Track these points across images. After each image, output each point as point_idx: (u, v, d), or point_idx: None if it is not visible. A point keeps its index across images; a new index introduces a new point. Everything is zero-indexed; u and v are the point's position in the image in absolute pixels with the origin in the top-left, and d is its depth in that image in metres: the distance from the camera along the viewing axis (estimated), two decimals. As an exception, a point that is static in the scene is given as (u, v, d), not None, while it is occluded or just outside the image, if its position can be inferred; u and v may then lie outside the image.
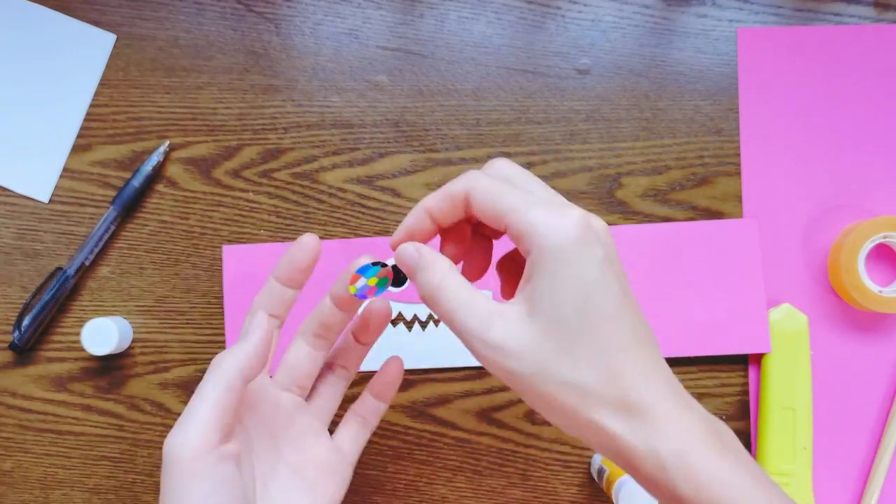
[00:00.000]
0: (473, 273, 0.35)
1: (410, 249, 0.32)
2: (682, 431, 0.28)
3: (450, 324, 0.30)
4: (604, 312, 0.28)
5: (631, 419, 0.28)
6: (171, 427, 0.50)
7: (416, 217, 0.33)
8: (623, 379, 0.28)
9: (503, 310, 0.29)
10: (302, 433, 0.38)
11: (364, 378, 0.50)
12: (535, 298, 0.28)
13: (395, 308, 0.49)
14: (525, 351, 0.28)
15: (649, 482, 0.28)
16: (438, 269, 0.31)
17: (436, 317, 0.49)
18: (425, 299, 0.31)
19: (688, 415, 0.28)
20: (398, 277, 0.35)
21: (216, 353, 0.50)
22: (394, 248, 0.33)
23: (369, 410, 0.40)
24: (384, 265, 0.35)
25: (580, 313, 0.28)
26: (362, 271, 0.34)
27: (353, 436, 0.39)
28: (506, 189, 0.30)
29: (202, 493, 0.30)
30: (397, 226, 0.49)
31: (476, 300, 0.30)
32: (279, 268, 0.36)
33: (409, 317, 0.49)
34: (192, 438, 0.31)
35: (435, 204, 0.32)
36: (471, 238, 0.34)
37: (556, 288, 0.28)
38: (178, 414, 0.50)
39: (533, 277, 0.29)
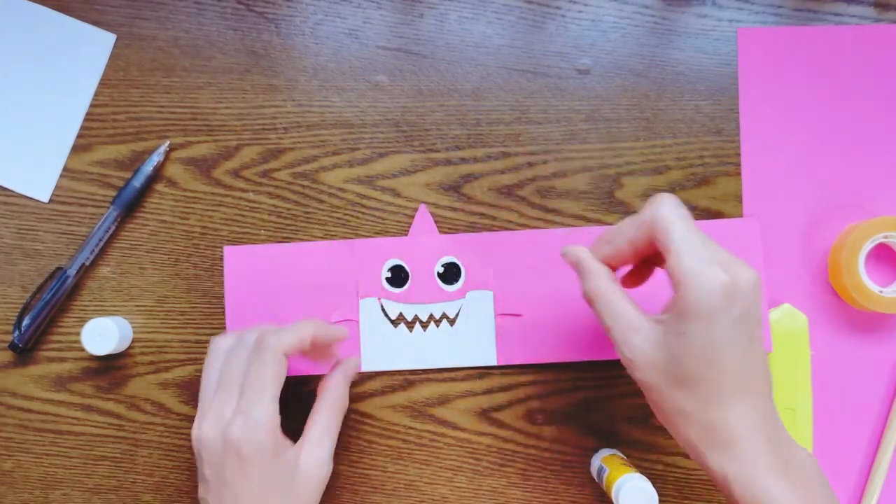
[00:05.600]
0: (634, 282, 0.43)
1: (572, 253, 0.40)
2: (750, 457, 0.34)
3: (601, 324, 0.38)
4: (720, 367, 0.34)
5: (713, 444, 0.35)
6: (171, 427, 0.50)
7: (621, 239, 0.38)
8: (716, 418, 0.35)
9: (642, 327, 0.36)
10: None
11: (361, 377, 0.50)
12: (669, 334, 0.35)
13: (396, 308, 0.49)
14: (649, 369, 0.36)
15: (723, 493, 0.36)
16: (595, 277, 0.38)
17: (437, 317, 0.49)
18: (586, 300, 0.39)
19: (763, 445, 0.35)
20: None
21: (216, 353, 0.50)
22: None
23: None
24: None
25: (699, 362, 0.34)
26: None
27: None
28: (679, 229, 0.35)
29: None
30: (397, 225, 0.50)
31: (624, 311, 0.37)
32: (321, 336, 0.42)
33: (409, 317, 0.49)
34: None
35: (632, 233, 0.38)
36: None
37: (687, 335, 0.34)
38: (178, 414, 0.50)
39: (672, 314, 0.35)
